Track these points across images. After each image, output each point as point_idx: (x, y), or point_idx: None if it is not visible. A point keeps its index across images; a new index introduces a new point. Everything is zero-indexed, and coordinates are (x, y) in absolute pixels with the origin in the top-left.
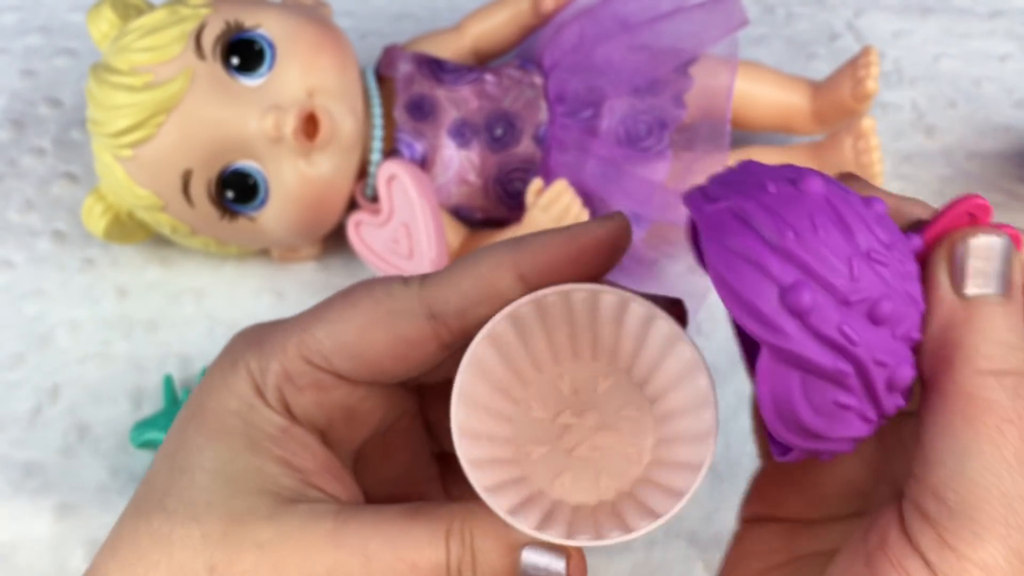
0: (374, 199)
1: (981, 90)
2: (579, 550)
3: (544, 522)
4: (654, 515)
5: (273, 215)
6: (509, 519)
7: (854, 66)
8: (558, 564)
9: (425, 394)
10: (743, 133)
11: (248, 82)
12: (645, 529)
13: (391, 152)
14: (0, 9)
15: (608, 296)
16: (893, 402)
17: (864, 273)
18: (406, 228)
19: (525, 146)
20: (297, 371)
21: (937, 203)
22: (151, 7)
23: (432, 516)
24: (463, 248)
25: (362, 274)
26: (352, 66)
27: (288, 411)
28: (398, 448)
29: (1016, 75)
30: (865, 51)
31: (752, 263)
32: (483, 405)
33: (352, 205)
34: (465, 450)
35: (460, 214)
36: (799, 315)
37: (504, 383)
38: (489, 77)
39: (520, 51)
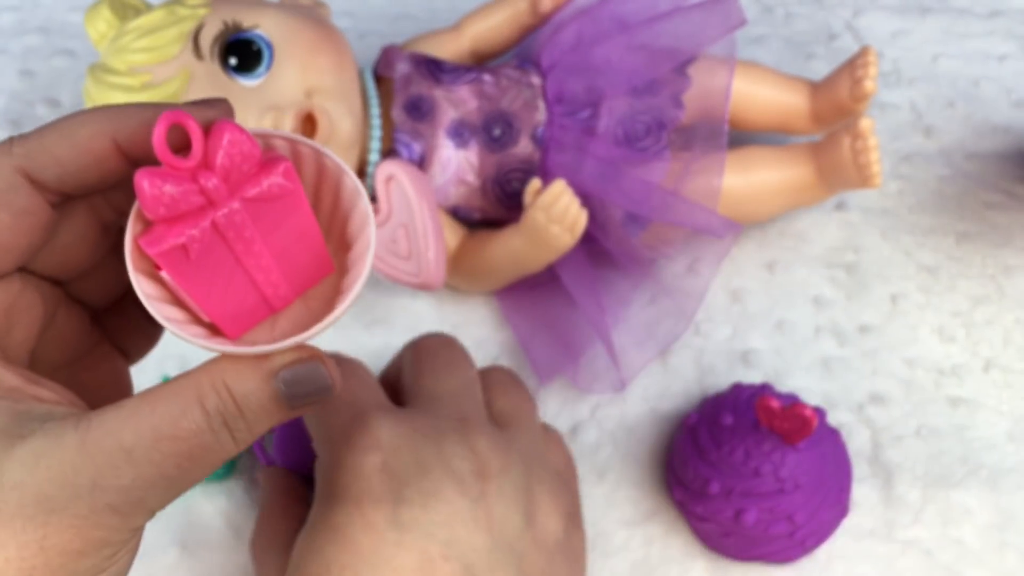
0: (372, 199)
1: (980, 90)
2: (323, 352)
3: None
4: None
5: None
6: (248, 349)
7: (852, 66)
8: (314, 367)
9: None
10: (741, 133)
11: (246, 82)
12: (352, 292)
13: (389, 152)
14: None
15: (303, 148)
16: None
17: None
18: (404, 228)
19: (523, 146)
20: None
21: (937, 202)
22: (149, 7)
23: (174, 388)
24: (461, 248)
25: None
26: (350, 66)
27: None
28: (64, 332)
29: (1015, 75)
30: (863, 51)
31: None
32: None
33: None
34: (162, 311)
35: (458, 214)
36: None
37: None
38: (487, 77)
39: (518, 51)
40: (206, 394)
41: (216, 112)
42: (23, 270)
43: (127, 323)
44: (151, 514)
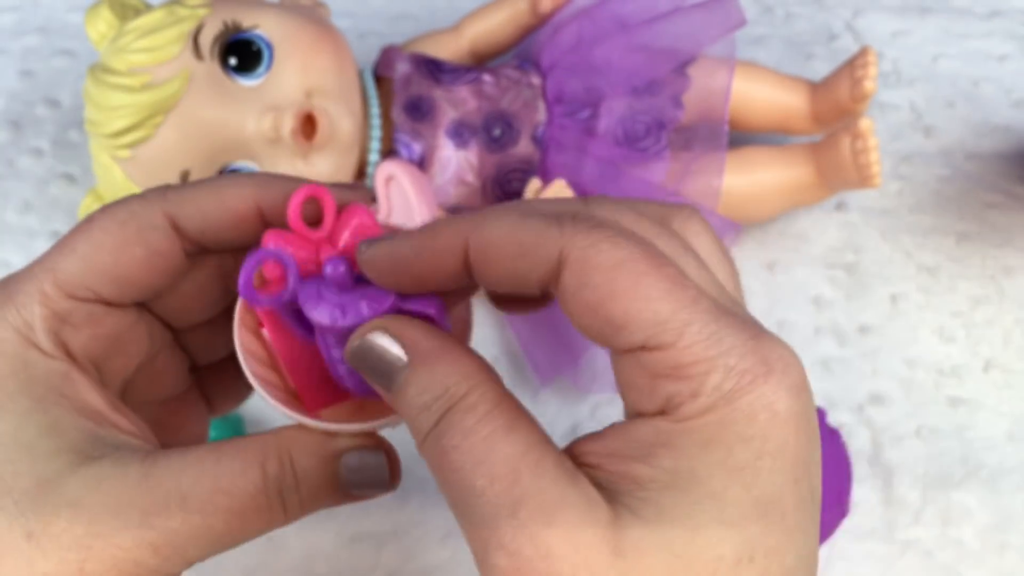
0: (372, 199)
1: (980, 90)
2: (392, 447)
3: (345, 420)
4: None
5: None
6: (317, 424)
7: (852, 66)
8: (378, 458)
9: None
10: (741, 133)
11: (246, 83)
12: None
13: (389, 152)
14: None
15: None
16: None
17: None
18: (404, 229)
19: (523, 146)
20: (67, 310)
21: (937, 203)
22: (149, 8)
23: (243, 445)
24: None
25: None
26: (350, 67)
27: (68, 353)
28: (162, 372)
29: (1015, 75)
30: (863, 51)
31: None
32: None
33: None
34: (253, 368)
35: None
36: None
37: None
38: (487, 77)
39: (518, 51)
40: (270, 459)
41: (355, 196)
42: (142, 307)
43: (221, 378)
44: (187, 565)
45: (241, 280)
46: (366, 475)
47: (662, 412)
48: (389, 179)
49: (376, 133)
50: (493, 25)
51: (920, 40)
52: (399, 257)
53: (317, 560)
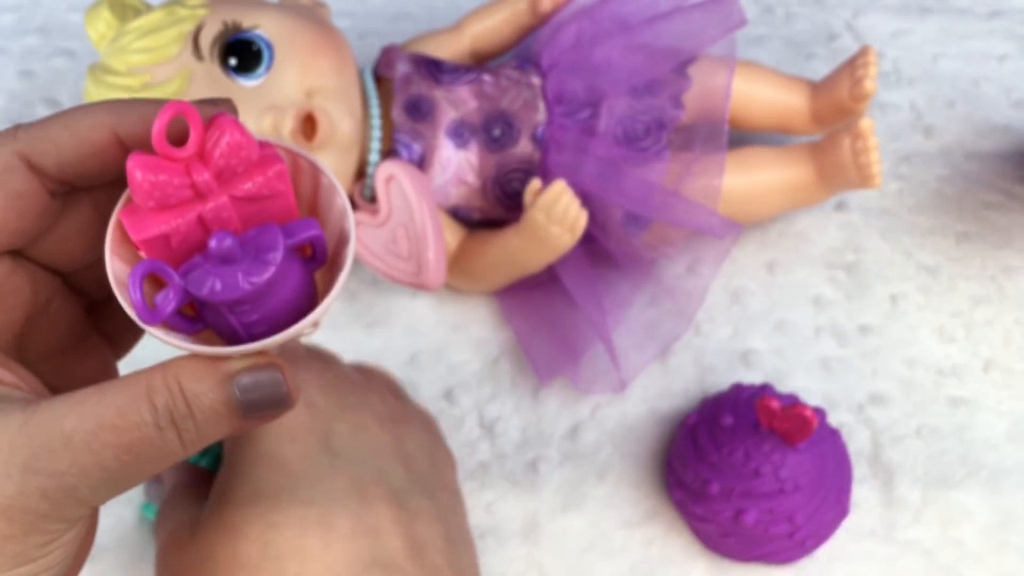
0: (372, 200)
1: (980, 90)
2: (286, 362)
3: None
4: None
5: None
6: (197, 347)
7: (852, 66)
8: (272, 375)
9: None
10: (741, 133)
11: (246, 83)
12: (321, 309)
13: (389, 153)
14: None
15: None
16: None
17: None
18: (404, 229)
19: (523, 146)
20: None
21: (937, 203)
22: (149, 8)
23: (129, 379)
24: (461, 248)
25: (360, 274)
26: (350, 67)
27: None
28: (55, 320)
29: (1015, 75)
30: (863, 51)
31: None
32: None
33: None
34: (116, 273)
35: (458, 215)
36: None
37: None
38: (487, 77)
39: (518, 51)
40: (156, 389)
41: (219, 110)
42: (18, 255)
43: (117, 315)
44: (86, 507)
45: (134, 302)
46: (262, 394)
47: None
48: (389, 179)
49: (376, 133)
50: (493, 25)
51: (920, 40)
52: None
53: None
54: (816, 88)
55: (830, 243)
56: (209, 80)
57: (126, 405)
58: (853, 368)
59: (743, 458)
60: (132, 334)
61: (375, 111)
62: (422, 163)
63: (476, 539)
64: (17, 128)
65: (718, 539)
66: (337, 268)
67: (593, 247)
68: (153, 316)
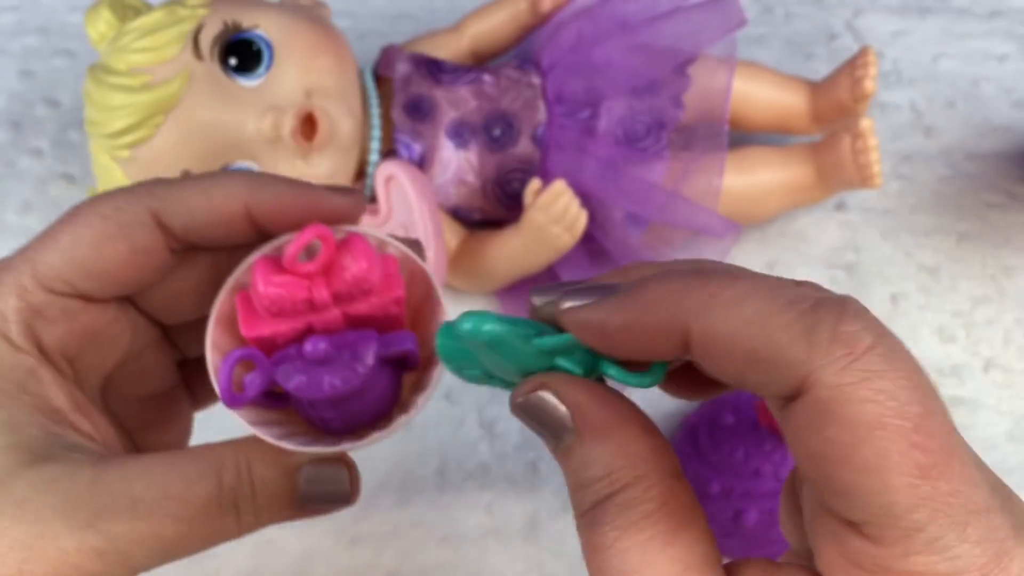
0: (372, 200)
1: (980, 90)
2: (353, 465)
3: (311, 442)
4: (404, 414)
5: None
6: (280, 442)
7: (852, 66)
8: (339, 473)
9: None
10: (741, 133)
11: (246, 83)
12: (397, 424)
13: (389, 152)
14: None
15: (369, 240)
16: None
17: None
18: (404, 229)
19: (523, 146)
20: (43, 303)
21: (937, 203)
22: (149, 8)
23: (200, 452)
24: (462, 248)
25: None
26: (350, 67)
27: (40, 348)
28: (147, 369)
29: (1015, 75)
30: (863, 51)
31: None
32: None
33: None
34: (215, 361)
35: (458, 214)
36: None
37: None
38: (487, 77)
39: (518, 51)
40: (227, 468)
41: (349, 202)
42: (125, 302)
43: (206, 375)
44: (133, 572)
45: (221, 387)
46: (326, 489)
47: None
48: (389, 179)
49: (376, 133)
50: (493, 25)
51: (920, 40)
52: (607, 328)
53: (317, 561)
54: (816, 88)
55: (830, 243)
56: (209, 80)
57: (195, 479)
58: None
59: (743, 458)
60: (216, 395)
61: (375, 111)
62: (422, 163)
63: (476, 539)
64: (155, 184)
65: (718, 539)
66: (424, 383)
67: (593, 247)
68: (237, 400)
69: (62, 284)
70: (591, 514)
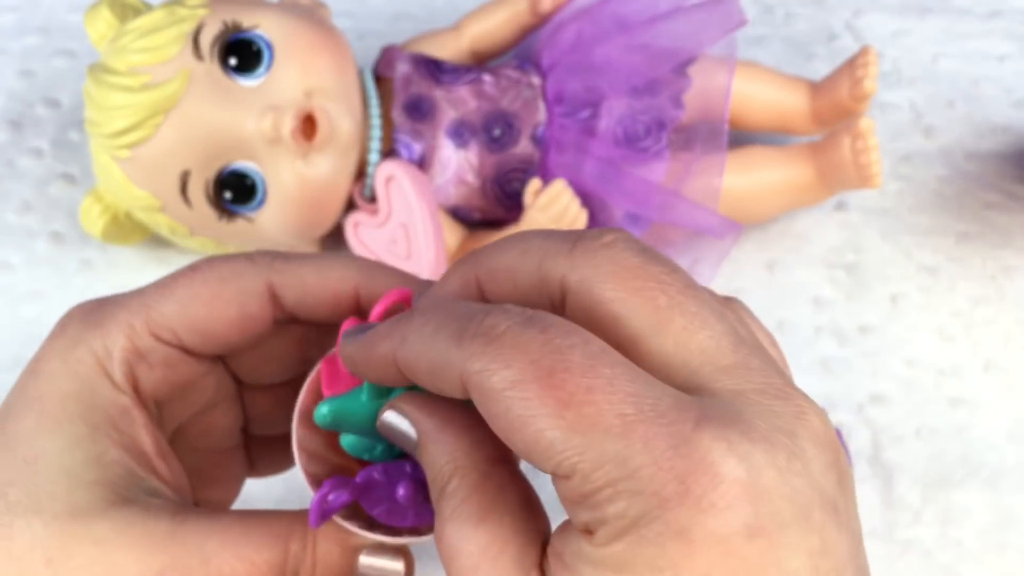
0: (372, 200)
1: (980, 90)
2: (412, 559)
3: (377, 527)
4: None
5: (271, 216)
6: (345, 524)
7: (852, 66)
8: (396, 565)
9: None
10: (741, 133)
11: (246, 83)
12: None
13: (389, 152)
14: None
15: None
16: None
17: None
18: (404, 229)
19: (523, 146)
20: (147, 348)
21: (937, 203)
22: (149, 8)
23: (272, 519)
24: (461, 249)
25: None
26: (350, 67)
27: (135, 389)
28: (216, 424)
29: (1015, 75)
30: (863, 51)
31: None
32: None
33: (350, 206)
34: (304, 464)
35: (458, 214)
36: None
37: None
38: (487, 77)
39: (518, 51)
40: (294, 538)
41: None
42: (218, 358)
43: (271, 446)
44: None
45: (312, 511)
46: (381, 574)
47: (585, 531)
48: (389, 179)
49: (376, 133)
50: (493, 25)
51: (920, 40)
52: (356, 361)
53: None
54: (816, 88)
55: (830, 243)
56: (209, 80)
57: (265, 545)
58: (853, 368)
59: None
60: (276, 467)
61: (375, 111)
62: (422, 163)
63: None
64: (276, 257)
65: None
66: None
67: None
68: (322, 518)
69: (170, 334)
70: (436, 506)
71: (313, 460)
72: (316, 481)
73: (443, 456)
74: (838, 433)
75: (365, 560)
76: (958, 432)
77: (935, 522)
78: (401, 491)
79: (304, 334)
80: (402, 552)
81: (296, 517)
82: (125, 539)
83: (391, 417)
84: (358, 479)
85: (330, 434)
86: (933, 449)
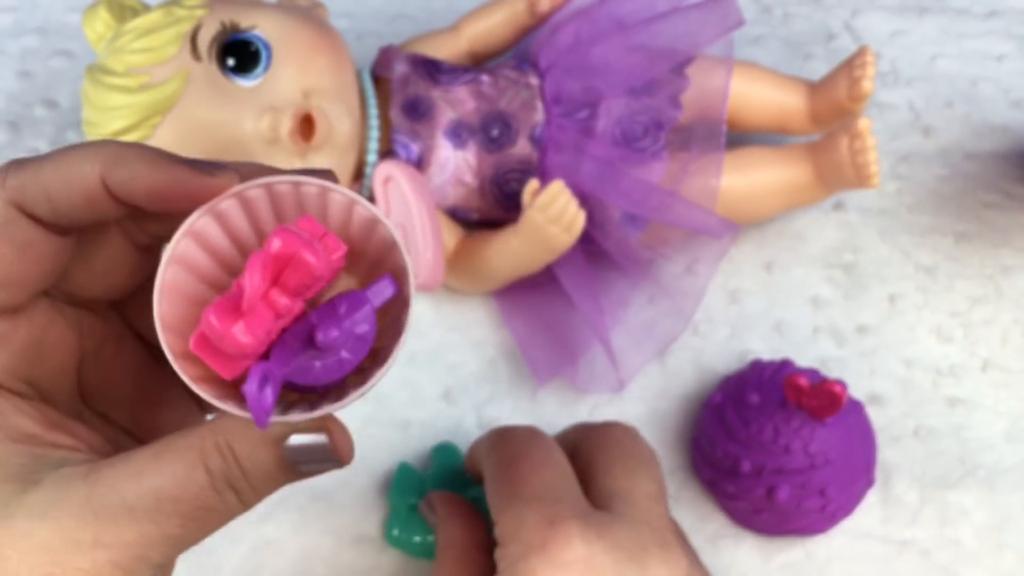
0: (370, 200)
1: (978, 90)
2: (337, 422)
3: (286, 408)
4: (379, 367)
5: None
6: (248, 415)
7: (850, 66)
8: (320, 439)
9: (126, 305)
10: (739, 133)
11: (244, 83)
12: (377, 378)
13: (387, 153)
14: None
15: (310, 188)
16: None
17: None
18: (402, 229)
19: (521, 147)
20: None
21: (935, 203)
22: (146, 8)
23: (180, 446)
24: (459, 249)
25: None
26: (348, 67)
27: None
28: (112, 365)
29: (1013, 75)
30: (861, 51)
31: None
32: (190, 299)
33: None
34: (171, 344)
35: (456, 215)
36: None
37: (211, 276)
38: (485, 78)
39: (516, 52)
40: (210, 454)
41: (220, 182)
42: (57, 304)
43: None
44: (157, 567)
45: (256, 417)
46: (312, 456)
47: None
48: (387, 180)
49: (374, 134)
50: (491, 25)
51: (918, 40)
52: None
53: (316, 561)
54: (814, 88)
55: (828, 243)
56: (207, 81)
57: (183, 475)
58: (851, 368)
59: (772, 435)
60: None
61: (373, 111)
62: (420, 163)
63: None
64: (8, 171)
65: (749, 516)
66: (397, 329)
67: (591, 247)
68: (266, 415)
69: None
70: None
71: (190, 364)
72: (212, 387)
73: (444, 533)
74: (860, 405)
75: (290, 444)
76: (956, 432)
77: (933, 522)
78: (321, 336)
79: (126, 230)
80: (323, 428)
81: (205, 433)
82: (49, 522)
83: (427, 512)
84: (271, 361)
85: (193, 326)
86: (931, 449)
